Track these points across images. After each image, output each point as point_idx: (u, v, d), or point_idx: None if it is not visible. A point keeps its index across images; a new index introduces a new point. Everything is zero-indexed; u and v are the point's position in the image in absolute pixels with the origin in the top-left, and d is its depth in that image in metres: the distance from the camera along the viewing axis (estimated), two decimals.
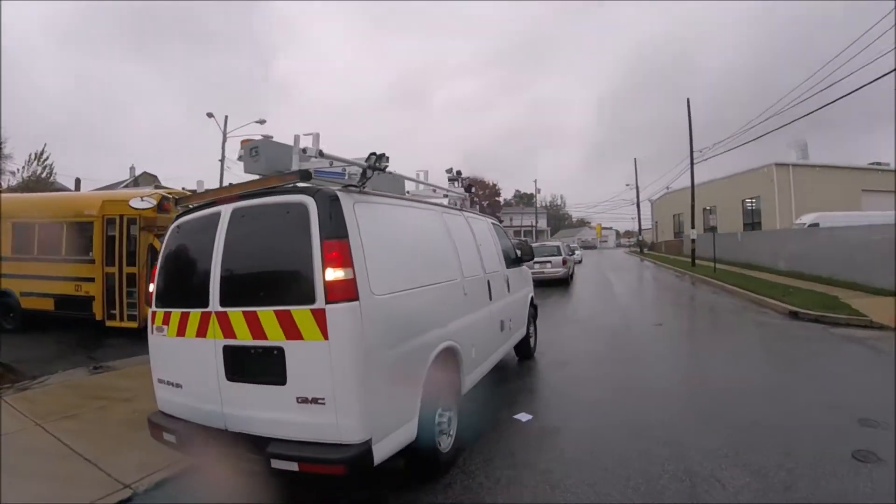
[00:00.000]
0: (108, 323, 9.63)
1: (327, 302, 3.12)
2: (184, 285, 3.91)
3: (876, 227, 15.06)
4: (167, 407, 3.92)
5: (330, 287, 3.13)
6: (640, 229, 59.39)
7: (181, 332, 3.75)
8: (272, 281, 3.47)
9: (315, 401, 3.13)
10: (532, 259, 8.25)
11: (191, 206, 4.20)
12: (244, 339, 3.40)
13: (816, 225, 21.25)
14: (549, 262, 20.44)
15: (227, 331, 3.48)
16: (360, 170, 3.87)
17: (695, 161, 29.25)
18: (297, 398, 3.18)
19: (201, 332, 3.62)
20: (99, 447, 4.65)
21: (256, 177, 4.65)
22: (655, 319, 12.25)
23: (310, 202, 3.37)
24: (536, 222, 64.99)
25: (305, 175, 3.54)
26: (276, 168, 4.48)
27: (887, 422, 4.95)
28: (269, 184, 3.73)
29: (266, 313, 3.31)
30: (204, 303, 3.62)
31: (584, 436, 4.96)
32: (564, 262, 21.03)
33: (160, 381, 3.95)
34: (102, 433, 5.05)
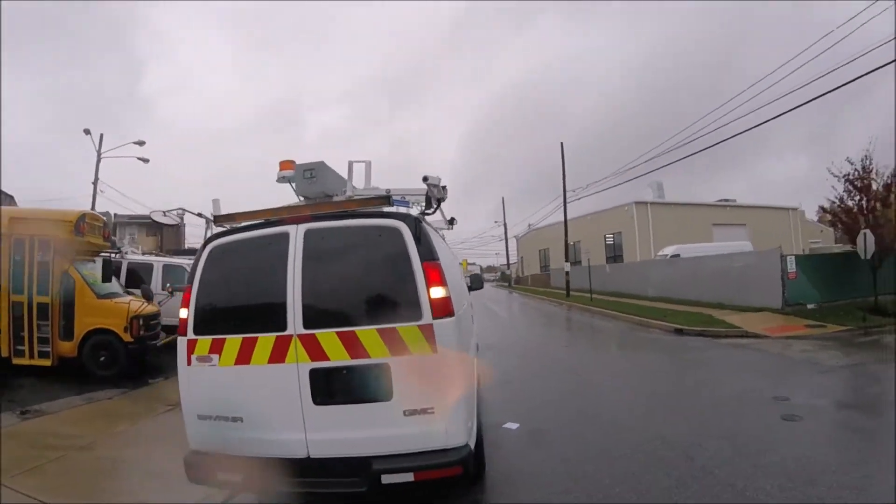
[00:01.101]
0: (15, 360, 8.66)
1: (434, 318, 3.43)
2: (243, 309, 3.78)
3: (737, 256, 18.67)
4: (213, 445, 3.64)
5: (435, 304, 3.45)
6: (508, 264, 63.99)
7: (243, 359, 3.57)
8: (370, 301, 3.60)
9: (424, 411, 3.36)
10: (481, 287, 9.20)
11: (228, 228, 4.13)
12: (339, 359, 3.43)
13: (678, 255, 25.34)
14: None
15: (316, 353, 3.47)
16: (424, 198, 4.50)
17: (568, 200, 32.99)
18: (405, 411, 3.36)
19: (277, 357, 3.52)
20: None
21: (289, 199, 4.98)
22: (561, 342, 13.98)
23: (403, 227, 3.63)
24: None
25: (388, 200, 3.90)
26: (329, 191, 4.87)
27: (794, 398, 6.84)
28: (350, 207, 3.99)
29: (367, 332, 3.42)
30: (279, 326, 3.55)
31: (571, 433, 5.94)
32: None
33: (202, 417, 3.66)
34: (82, 487, 4.67)
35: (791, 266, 15.50)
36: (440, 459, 3.34)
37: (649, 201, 36.53)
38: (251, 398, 3.55)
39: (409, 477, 3.30)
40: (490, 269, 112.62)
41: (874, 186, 14.66)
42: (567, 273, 32.49)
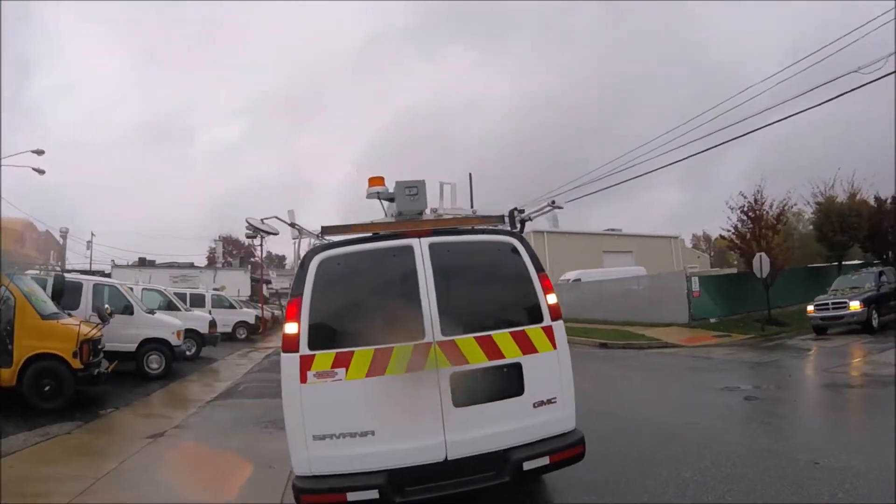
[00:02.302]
0: None
1: (552, 320, 4.00)
2: (370, 320, 3.87)
3: (641, 278, 21.28)
4: (333, 465, 3.61)
5: (552, 309, 4.02)
6: None
7: (377, 370, 3.67)
8: (497, 307, 4.08)
9: (549, 401, 3.87)
10: None
11: (335, 240, 4.20)
12: (478, 362, 3.76)
13: (579, 280, 27.96)
14: None
15: (456, 358, 3.74)
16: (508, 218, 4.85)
17: None
18: (534, 403, 3.82)
19: (416, 365, 3.70)
20: None
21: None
22: None
23: (517, 242, 4.15)
24: (293, 283, 66.00)
25: (503, 219, 4.46)
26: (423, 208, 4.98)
27: (742, 386, 8.53)
28: (470, 223, 4.43)
29: (501, 335, 3.85)
30: (416, 335, 3.75)
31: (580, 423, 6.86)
32: None
33: (319, 437, 3.61)
34: None
35: (695, 286, 18.38)
36: (566, 442, 3.84)
37: (546, 230, 39.68)
38: (385, 409, 3.63)
39: (545, 461, 3.71)
40: None
41: (765, 216, 17.84)
42: None
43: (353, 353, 3.66)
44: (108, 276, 20.42)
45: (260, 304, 26.05)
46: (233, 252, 53.50)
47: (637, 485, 4.63)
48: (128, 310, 11.34)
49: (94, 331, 8.81)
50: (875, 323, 13.93)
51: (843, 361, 10.31)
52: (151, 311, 12.18)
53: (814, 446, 5.34)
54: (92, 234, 41.45)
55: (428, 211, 4.99)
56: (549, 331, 3.96)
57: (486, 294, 4.13)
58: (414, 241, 3.96)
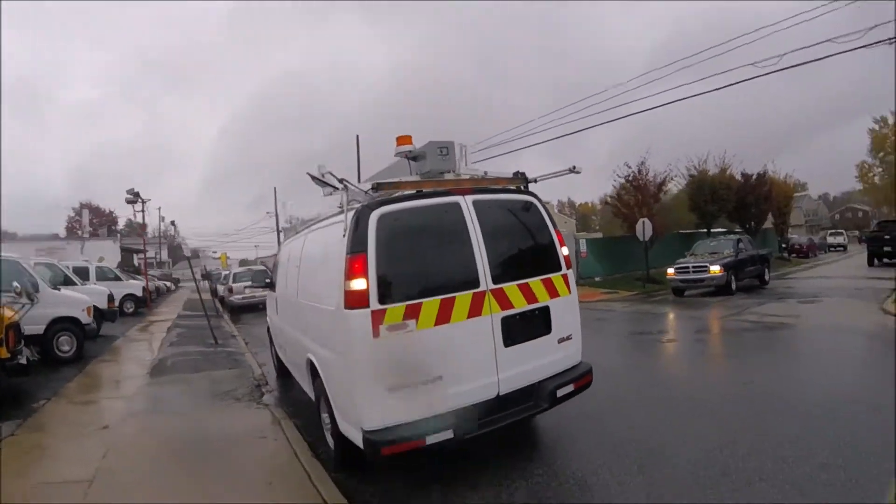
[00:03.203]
0: None
1: (566, 269, 4.72)
2: (433, 272, 4.15)
3: None
4: (405, 414, 3.80)
5: (566, 259, 4.75)
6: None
7: (443, 319, 3.97)
8: (530, 258, 4.62)
9: (567, 338, 4.60)
10: None
11: (388, 196, 4.25)
12: (520, 306, 4.31)
13: None
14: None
15: (504, 303, 4.24)
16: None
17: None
18: (558, 339, 4.52)
19: (475, 311, 4.10)
20: None
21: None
22: None
23: (537, 202, 4.79)
24: (159, 252, 61.99)
25: (525, 179, 4.94)
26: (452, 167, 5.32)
27: (652, 332, 10.29)
28: (500, 183, 4.90)
29: (535, 282, 4.45)
30: (473, 284, 4.16)
31: None
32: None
33: (393, 388, 3.78)
34: None
35: (583, 247, 20.43)
36: (582, 370, 4.63)
37: None
38: (451, 354, 3.97)
39: (571, 388, 4.43)
40: (244, 262, 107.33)
41: (647, 185, 20.16)
42: None
43: (421, 304, 3.91)
44: None
45: (143, 275, 24.07)
46: (92, 220, 48.44)
47: (625, 414, 5.62)
48: (33, 287, 10.26)
49: (16, 315, 7.99)
50: (733, 286, 15.40)
51: (728, 313, 12.07)
52: (56, 287, 11.12)
53: (739, 373, 6.94)
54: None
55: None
56: (565, 278, 4.70)
57: (519, 245, 4.66)
58: (459, 199, 4.33)
